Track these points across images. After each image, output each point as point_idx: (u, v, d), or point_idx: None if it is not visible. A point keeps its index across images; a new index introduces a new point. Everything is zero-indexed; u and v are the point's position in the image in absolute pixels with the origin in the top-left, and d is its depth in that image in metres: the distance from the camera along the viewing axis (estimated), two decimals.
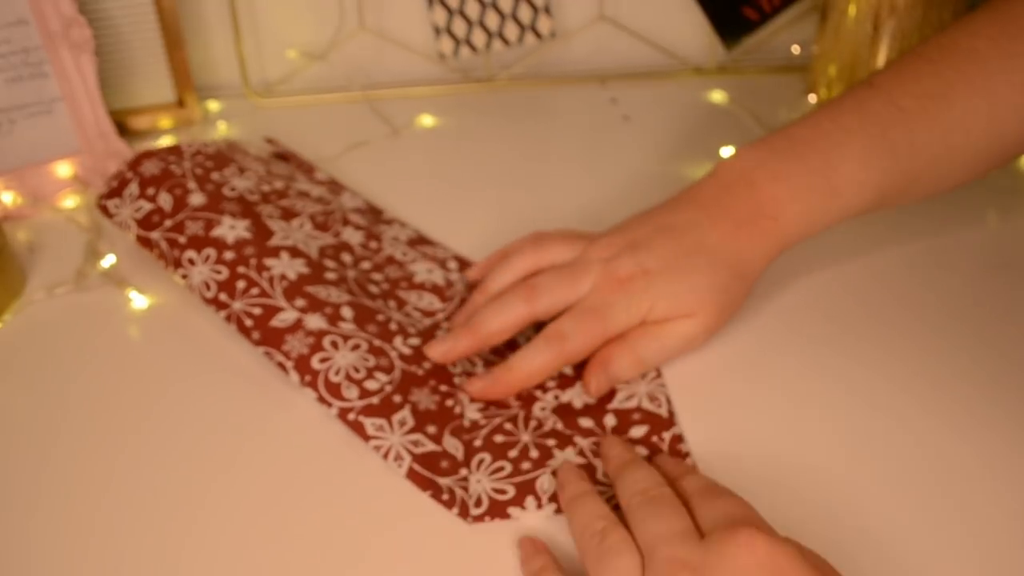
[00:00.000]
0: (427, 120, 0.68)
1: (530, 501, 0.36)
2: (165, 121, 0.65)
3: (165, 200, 0.46)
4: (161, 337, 0.45)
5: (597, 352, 0.41)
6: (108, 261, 0.50)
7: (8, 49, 0.55)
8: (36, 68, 0.56)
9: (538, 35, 0.72)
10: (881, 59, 0.64)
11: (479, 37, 0.71)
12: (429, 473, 0.37)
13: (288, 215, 0.48)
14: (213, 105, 0.70)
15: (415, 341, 0.43)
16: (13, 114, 0.56)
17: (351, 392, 0.39)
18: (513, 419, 0.39)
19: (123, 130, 0.63)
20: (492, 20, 0.70)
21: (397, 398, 0.39)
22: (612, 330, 0.41)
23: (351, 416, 0.38)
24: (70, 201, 0.57)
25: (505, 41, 0.71)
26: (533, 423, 0.39)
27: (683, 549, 0.29)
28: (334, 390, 0.39)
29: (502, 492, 0.36)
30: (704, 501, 0.32)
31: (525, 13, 0.71)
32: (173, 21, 0.63)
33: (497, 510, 0.35)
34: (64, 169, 0.58)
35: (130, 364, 0.43)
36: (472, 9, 0.70)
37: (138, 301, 0.48)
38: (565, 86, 0.73)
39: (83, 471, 0.37)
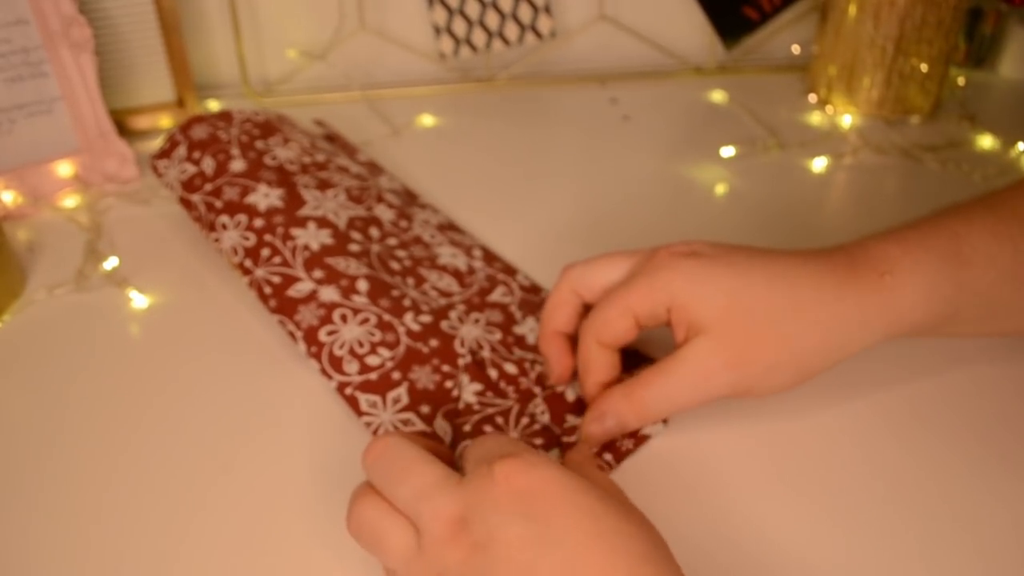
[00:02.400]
0: (427, 120, 0.68)
1: None
2: (165, 120, 0.65)
3: (208, 165, 0.48)
4: (161, 337, 0.45)
5: (595, 400, 0.37)
6: (110, 263, 0.50)
7: (8, 49, 0.55)
8: (36, 68, 0.56)
9: (538, 35, 0.72)
10: (881, 57, 0.64)
11: (479, 37, 0.71)
12: None
13: (324, 186, 0.49)
14: (213, 105, 0.70)
15: (426, 319, 0.43)
16: (13, 114, 0.56)
17: (351, 367, 0.40)
18: (506, 412, 0.39)
19: (123, 129, 0.63)
20: (492, 20, 0.70)
21: (396, 375, 0.40)
22: (630, 297, 0.35)
23: (348, 391, 0.39)
24: (70, 201, 0.57)
25: (505, 41, 0.71)
26: (525, 420, 0.39)
27: (444, 501, 0.27)
28: (336, 363, 0.40)
29: None
30: (469, 449, 0.30)
31: (525, 13, 0.71)
32: (173, 20, 0.63)
33: None
34: (64, 168, 0.58)
35: (130, 364, 0.43)
36: (472, 9, 0.70)
37: (138, 301, 0.47)
38: (565, 86, 0.73)
39: (83, 470, 0.37)
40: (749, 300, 0.34)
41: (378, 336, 0.41)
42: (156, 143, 0.55)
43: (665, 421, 0.38)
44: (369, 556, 0.33)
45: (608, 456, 0.37)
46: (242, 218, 0.46)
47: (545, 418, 0.39)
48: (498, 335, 0.44)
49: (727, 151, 0.62)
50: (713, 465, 0.37)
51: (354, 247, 0.46)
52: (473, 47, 0.71)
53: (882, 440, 0.38)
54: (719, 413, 0.39)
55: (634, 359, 0.42)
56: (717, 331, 0.34)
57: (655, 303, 0.35)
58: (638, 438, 0.38)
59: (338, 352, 0.41)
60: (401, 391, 0.40)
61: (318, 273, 0.43)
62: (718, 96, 0.71)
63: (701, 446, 0.38)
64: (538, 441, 0.38)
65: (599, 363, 0.37)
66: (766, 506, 0.35)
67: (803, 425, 0.39)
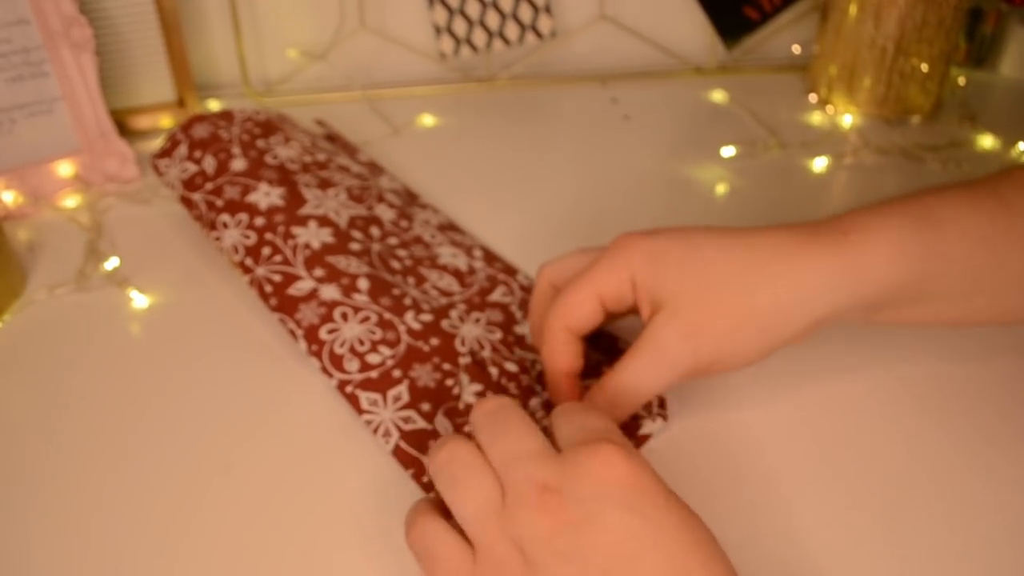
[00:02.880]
0: (427, 120, 0.68)
1: None
2: (166, 120, 0.65)
3: (209, 163, 0.48)
4: (162, 337, 0.45)
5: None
6: (111, 263, 0.50)
7: (9, 48, 0.55)
8: (37, 67, 0.56)
9: (539, 35, 0.72)
10: (881, 57, 0.64)
11: (480, 37, 0.71)
12: (415, 451, 0.37)
13: (325, 185, 0.49)
14: (214, 104, 0.70)
15: (427, 317, 0.43)
16: (14, 113, 0.56)
17: (352, 365, 0.40)
18: None
19: (123, 129, 0.63)
20: (493, 19, 0.70)
21: (397, 373, 0.40)
22: (594, 279, 0.35)
23: (348, 389, 0.39)
24: (71, 200, 0.57)
25: (506, 41, 0.71)
26: None
27: (540, 468, 0.27)
28: (337, 362, 0.40)
29: None
30: (561, 418, 0.30)
31: (526, 13, 0.71)
32: (174, 20, 0.63)
33: None
34: (65, 168, 0.58)
35: (131, 364, 0.43)
36: (473, 8, 0.70)
37: (139, 301, 0.47)
38: (566, 86, 0.73)
39: (83, 470, 0.37)
40: (701, 267, 0.34)
41: (379, 334, 0.41)
42: (156, 143, 0.55)
43: (664, 417, 0.38)
44: (369, 554, 0.33)
45: None
46: (243, 217, 0.46)
47: (547, 421, 0.39)
48: (499, 335, 0.44)
49: (727, 151, 0.62)
50: (719, 458, 0.37)
51: (355, 246, 0.46)
52: (473, 47, 0.71)
53: (896, 428, 0.38)
54: (724, 403, 0.39)
55: None
56: (671, 303, 0.33)
57: (620, 282, 0.35)
58: (639, 439, 0.38)
59: (339, 350, 0.41)
60: (402, 389, 0.40)
61: (319, 271, 0.43)
62: (718, 96, 0.71)
63: (712, 434, 0.38)
64: None
65: (564, 349, 0.37)
66: (775, 498, 0.35)
67: (813, 417, 0.39)
